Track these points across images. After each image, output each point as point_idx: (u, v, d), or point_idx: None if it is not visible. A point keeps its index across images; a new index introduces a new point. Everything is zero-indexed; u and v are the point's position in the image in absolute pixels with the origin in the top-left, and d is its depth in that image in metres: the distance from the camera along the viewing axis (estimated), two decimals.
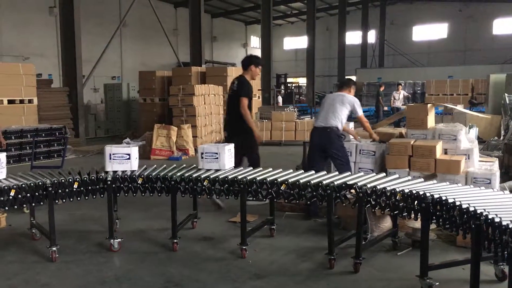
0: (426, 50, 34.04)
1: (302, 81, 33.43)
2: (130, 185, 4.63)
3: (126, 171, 4.74)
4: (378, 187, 4.02)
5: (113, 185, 4.62)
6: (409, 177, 4.53)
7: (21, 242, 5.03)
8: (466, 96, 20.52)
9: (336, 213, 5.25)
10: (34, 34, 20.29)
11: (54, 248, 4.45)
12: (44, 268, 4.31)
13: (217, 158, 4.78)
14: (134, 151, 4.81)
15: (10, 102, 11.30)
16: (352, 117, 6.30)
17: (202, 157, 4.83)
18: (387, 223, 4.96)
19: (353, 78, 31.48)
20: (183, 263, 4.39)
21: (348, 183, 4.20)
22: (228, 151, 4.86)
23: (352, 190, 4.18)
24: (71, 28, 13.16)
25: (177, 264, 4.37)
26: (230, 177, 4.42)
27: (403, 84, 21.08)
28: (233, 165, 4.96)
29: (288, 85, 31.49)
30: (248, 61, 6.30)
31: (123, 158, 4.72)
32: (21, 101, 11.55)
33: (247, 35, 37.78)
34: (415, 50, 33.93)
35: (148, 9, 18.45)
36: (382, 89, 18.62)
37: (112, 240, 4.67)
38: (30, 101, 11.72)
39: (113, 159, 4.72)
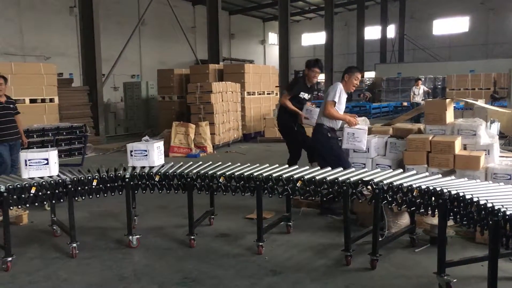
0: (447, 44, 33.50)
1: (321, 77, 33.24)
2: (147, 182, 4.68)
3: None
4: (395, 183, 3.99)
5: (131, 183, 4.68)
6: (427, 173, 4.48)
7: (43, 238, 5.14)
8: (488, 91, 20.14)
9: (353, 210, 5.23)
10: (55, 34, 20.62)
11: (74, 245, 4.55)
12: (65, 264, 4.40)
13: (146, 155, 4.84)
14: (53, 155, 4.55)
15: (32, 101, 11.52)
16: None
17: (131, 155, 4.88)
18: (405, 220, 4.92)
19: (372, 74, 31.42)
20: (200, 259, 4.43)
21: (364, 179, 4.17)
22: (157, 148, 4.91)
23: (369, 187, 4.16)
24: (91, 28, 13.34)
25: (194, 260, 4.41)
26: (246, 174, 4.44)
27: (423, 79, 20.80)
28: (163, 162, 5.01)
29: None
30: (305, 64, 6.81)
31: (41, 163, 4.47)
32: (43, 100, 11.76)
33: (265, 32, 37.73)
34: (436, 44, 33.44)
35: (166, 7, 18.58)
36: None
37: (130, 237, 4.74)
38: (51, 100, 11.93)
39: (30, 165, 4.46)
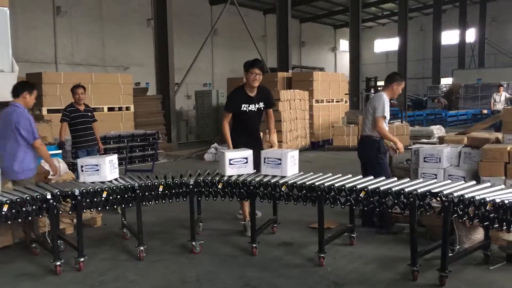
0: None
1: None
2: (211, 190, 4.75)
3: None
4: (466, 196, 3.77)
5: (195, 189, 4.77)
6: (503, 186, 4.19)
7: (114, 240, 5.38)
8: None
9: (421, 222, 5.01)
10: (134, 46, 21.68)
11: (141, 248, 4.71)
12: (133, 266, 4.57)
13: (97, 170, 4.68)
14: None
15: (110, 109, 12.17)
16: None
17: (82, 170, 4.72)
18: (479, 235, 4.62)
19: (449, 80, 30.03)
20: (262, 268, 4.43)
21: (433, 191, 3.98)
22: (110, 162, 4.73)
23: (437, 199, 3.96)
24: (165, 39, 13.88)
25: (256, 268, 4.42)
26: (308, 183, 4.39)
27: (505, 85, 19.57)
28: (117, 176, 4.82)
29: (378, 88, 30.54)
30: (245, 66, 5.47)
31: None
32: (120, 109, 12.39)
33: (336, 39, 37.35)
34: None
35: (238, 17, 18.96)
36: None
37: (194, 242, 4.83)
38: (127, 108, 12.54)
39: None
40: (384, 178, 4.55)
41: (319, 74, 15.14)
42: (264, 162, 4.76)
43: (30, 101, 5.17)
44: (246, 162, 4.86)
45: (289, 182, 4.47)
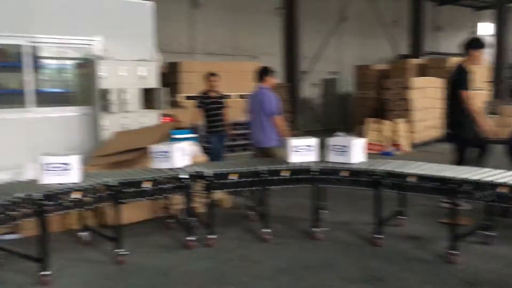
0: None
1: None
2: (335, 177, 4.71)
3: None
4: None
5: (319, 176, 4.77)
6: None
7: (241, 222, 5.62)
8: None
9: None
10: (263, 35, 22.14)
11: (266, 230, 4.86)
12: (258, 246, 4.76)
13: (168, 157, 4.73)
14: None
15: (241, 96, 12.63)
16: None
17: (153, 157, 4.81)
18: None
19: None
20: (387, 260, 4.31)
21: None
22: (180, 150, 4.73)
23: None
24: (292, 27, 14.04)
25: (380, 260, 4.31)
26: (437, 174, 4.14)
27: None
28: (188, 163, 4.76)
29: None
30: (467, 45, 5.76)
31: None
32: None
33: (477, 22, 34.31)
34: None
35: (367, 2, 18.39)
36: None
37: (317, 229, 4.86)
38: None
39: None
40: None
41: (455, 60, 14.08)
42: (331, 149, 4.89)
43: (271, 82, 6.11)
44: (310, 150, 5.00)
45: (418, 173, 4.26)
